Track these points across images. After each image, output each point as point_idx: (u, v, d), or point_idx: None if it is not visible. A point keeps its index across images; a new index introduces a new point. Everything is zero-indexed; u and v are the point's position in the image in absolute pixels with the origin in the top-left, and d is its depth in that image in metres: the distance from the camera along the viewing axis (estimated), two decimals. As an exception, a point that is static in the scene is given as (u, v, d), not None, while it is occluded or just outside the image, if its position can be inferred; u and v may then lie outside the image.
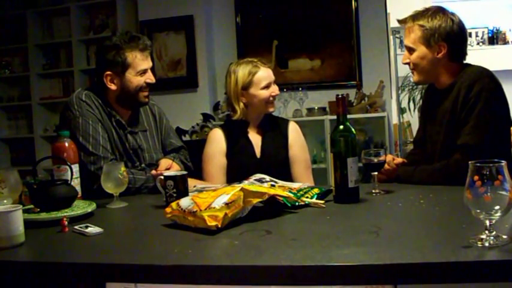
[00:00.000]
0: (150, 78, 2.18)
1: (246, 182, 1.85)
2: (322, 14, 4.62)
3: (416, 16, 1.97)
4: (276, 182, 1.89)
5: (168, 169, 2.02)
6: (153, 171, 2.04)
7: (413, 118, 5.21)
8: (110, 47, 2.12)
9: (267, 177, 1.93)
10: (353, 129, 1.68)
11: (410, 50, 1.99)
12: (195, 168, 2.35)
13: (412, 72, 2.06)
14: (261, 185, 1.81)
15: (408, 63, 2.02)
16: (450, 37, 1.93)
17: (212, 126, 4.45)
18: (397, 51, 4.78)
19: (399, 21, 2.08)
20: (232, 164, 2.34)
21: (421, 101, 5.02)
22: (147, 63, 2.17)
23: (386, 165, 1.89)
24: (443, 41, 1.92)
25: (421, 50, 1.95)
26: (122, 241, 1.43)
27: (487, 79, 1.89)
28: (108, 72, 2.13)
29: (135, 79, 2.14)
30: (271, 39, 4.72)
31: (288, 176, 2.28)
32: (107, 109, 2.16)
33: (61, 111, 2.20)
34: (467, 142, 1.83)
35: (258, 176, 1.94)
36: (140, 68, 2.14)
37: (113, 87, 2.14)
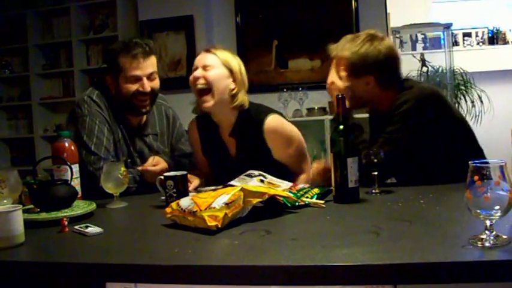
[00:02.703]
0: (142, 86, 2.10)
1: (235, 179, 1.82)
2: (322, 14, 4.63)
3: (342, 47, 1.97)
4: (264, 177, 1.84)
5: (154, 166, 2.06)
6: (140, 167, 2.07)
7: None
8: (108, 51, 2.13)
9: (256, 172, 1.87)
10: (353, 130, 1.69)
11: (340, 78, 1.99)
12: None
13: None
14: (251, 180, 1.79)
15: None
16: (377, 68, 1.91)
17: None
18: (397, 51, 4.78)
19: (328, 50, 2.03)
20: (210, 161, 2.19)
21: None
22: (140, 71, 2.09)
23: (316, 169, 1.90)
24: (369, 73, 1.91)
25: (349, 80, 1.94)
26: (122, 241, 1.43)
27: (413, 102, 1.85)
28: (108, 76, 2.15)
29: (125, 86, 2.10)
30: (271, 39, 4.73)
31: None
32: (116, 110, 2.16)
33: (72, 107, 2.20)
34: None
35: (248, 172, 1.91)
36: (130, 74, 2.08)
37: (112, 91, 2.15)
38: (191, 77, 2.07)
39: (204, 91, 2.03)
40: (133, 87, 2.10)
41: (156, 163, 2.08)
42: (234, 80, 2.05)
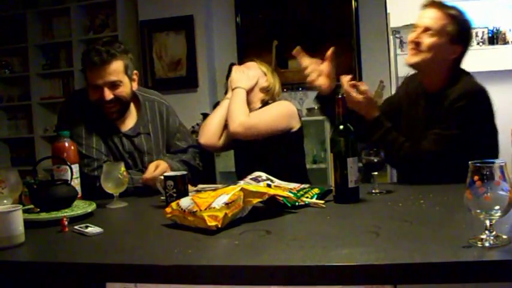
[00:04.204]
0: (102, 95, 2.02)
1: (241, 182, 1.85)
2: (322, 14, 4.63)
3: (446, 11, 1.87)
4: (272, 181, 1.88)
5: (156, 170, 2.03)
6: (141, 179, 2.03)
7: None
8: (81, 58, 2.08)
9: (263, 175, 1.93)
10: (353, 129, 1.68)
11: (428, 31, 1.86)
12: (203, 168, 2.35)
13: (411, 52, 1.92)
14: (257, 184, 1.81)
15: (416, 42, 1.88)
16: (467, 40, 1.87)
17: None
18: (397, 51, 4.78)
19: (425, 13, 1.90)
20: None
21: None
22: (99, 80, 2.01)
23: (352, 93, 1.86)
24: (461, 43, 1.84)
25: (442, 42, 1.84)
26: (122, 241, 1.43)
27: (474, 96, 1.83)
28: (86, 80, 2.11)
29: (90, 94, 2.06)
30: (271, 39, 4.73)
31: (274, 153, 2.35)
32: (103, 112, 2.11)
33: (59, 110, 2.20)
34: (430, 148, 1.81)
35: (254, 174, 1.94)
36: (90, 83, 2.04)
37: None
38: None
39: None
40: (96, 95, 2.04)
41: (155, 166, 2.05)
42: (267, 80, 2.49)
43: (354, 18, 4.57)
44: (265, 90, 2.47)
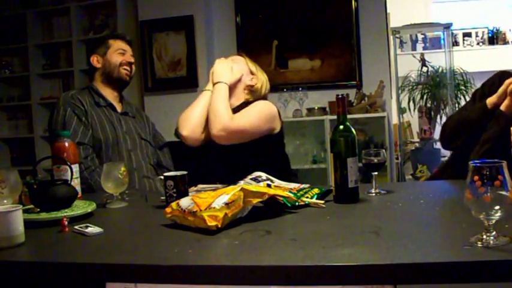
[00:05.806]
0: (127, 58, 2.58)
1: (241, 182, 1.85)
2: (322, 14, 4.63)
3: None
4: (272, 181, 1.88)
5: None
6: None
7: (413, 118, 5.21)
8: (98, 38, 2.68)
9: (264, 175, 1.93)
10: (353, 129, 1.68)
11: None
12: (191, 168, 2.36)
13: None
14: (257, 184, 1.81)
15: None
16: None
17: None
18: (397, 51, 4.78)
19: None
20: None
21: (421, 101, 5.03)
22: (126, 47, 2.61)
23: None
24: None
25: None
26: (122, 241, 1.43)
27: None
28: (94, 55, 2.56)
29: (114, 56, 2.55)
30: (271, 39, 4.73)
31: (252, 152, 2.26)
32: (98, 98, 2.48)
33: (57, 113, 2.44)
34: None
35: (254, 174, 1.94)
36: (118, 47, 2.57)
37: (98, 65, 2.55)
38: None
39: None
40: (121, 57, 2.57)
41: None
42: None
43: (354, 18, 4.56)
44: (249, 89, 2.35)
